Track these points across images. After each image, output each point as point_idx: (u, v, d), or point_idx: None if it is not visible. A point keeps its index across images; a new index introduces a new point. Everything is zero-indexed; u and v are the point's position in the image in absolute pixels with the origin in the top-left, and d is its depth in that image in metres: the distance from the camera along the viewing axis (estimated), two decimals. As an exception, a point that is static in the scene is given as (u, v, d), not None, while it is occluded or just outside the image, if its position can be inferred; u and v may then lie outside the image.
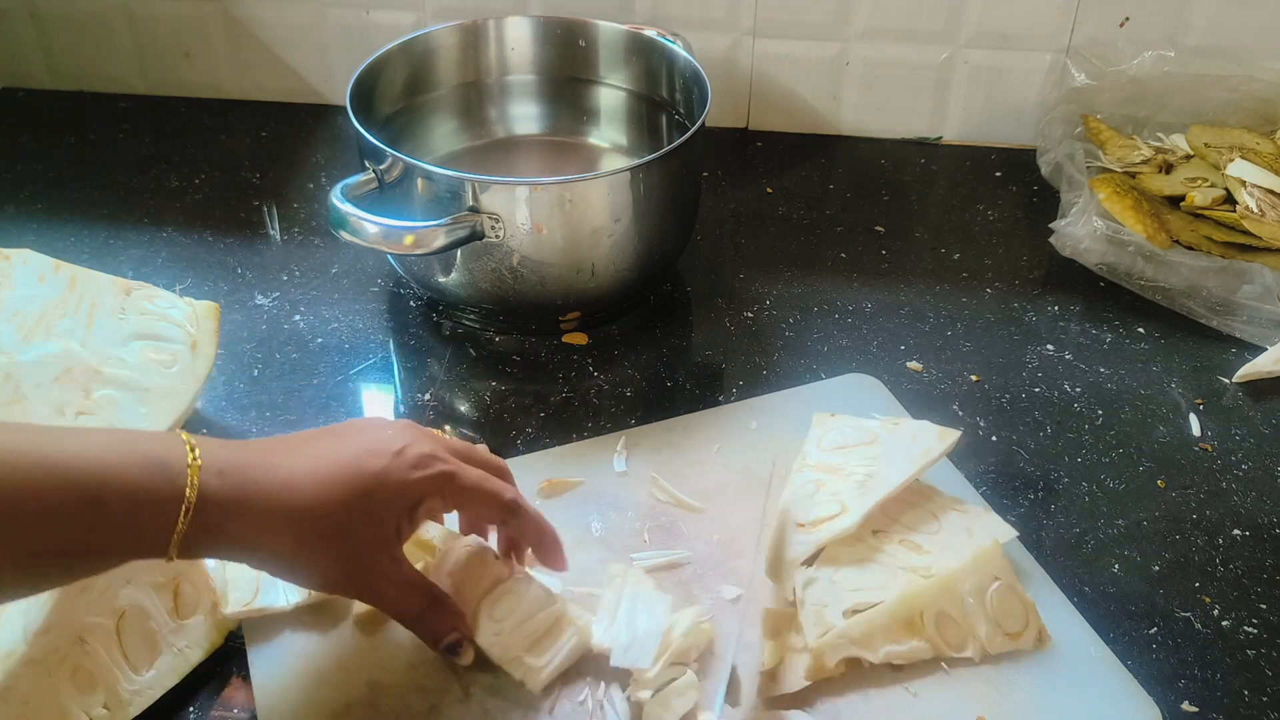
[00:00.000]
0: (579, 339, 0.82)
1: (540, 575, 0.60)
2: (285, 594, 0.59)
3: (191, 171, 1.00)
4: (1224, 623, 0.62)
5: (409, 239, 0.71)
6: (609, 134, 0.96)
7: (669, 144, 0.76)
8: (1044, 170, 0.94)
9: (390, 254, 0.83)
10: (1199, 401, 0.77)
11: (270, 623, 0.59)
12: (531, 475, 0.67)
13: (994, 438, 0.74)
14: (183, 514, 0.48)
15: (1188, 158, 0.95)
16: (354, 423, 0.57)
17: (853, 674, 0.57)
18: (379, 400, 0.77)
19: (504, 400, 0.76)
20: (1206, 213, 0.88)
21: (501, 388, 0.77)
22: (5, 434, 0.46)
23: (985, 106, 1.04)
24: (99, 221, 0.93)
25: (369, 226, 0.70)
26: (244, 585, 0.59)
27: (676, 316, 0.85)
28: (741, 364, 0.80)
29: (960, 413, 0.75)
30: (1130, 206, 0.84)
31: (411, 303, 0.85)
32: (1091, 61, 0.98)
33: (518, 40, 0.93)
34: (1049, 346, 0.81)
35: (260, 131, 1.06)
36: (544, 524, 0.59)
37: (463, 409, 0.76)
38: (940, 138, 1.06)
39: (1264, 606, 0.63)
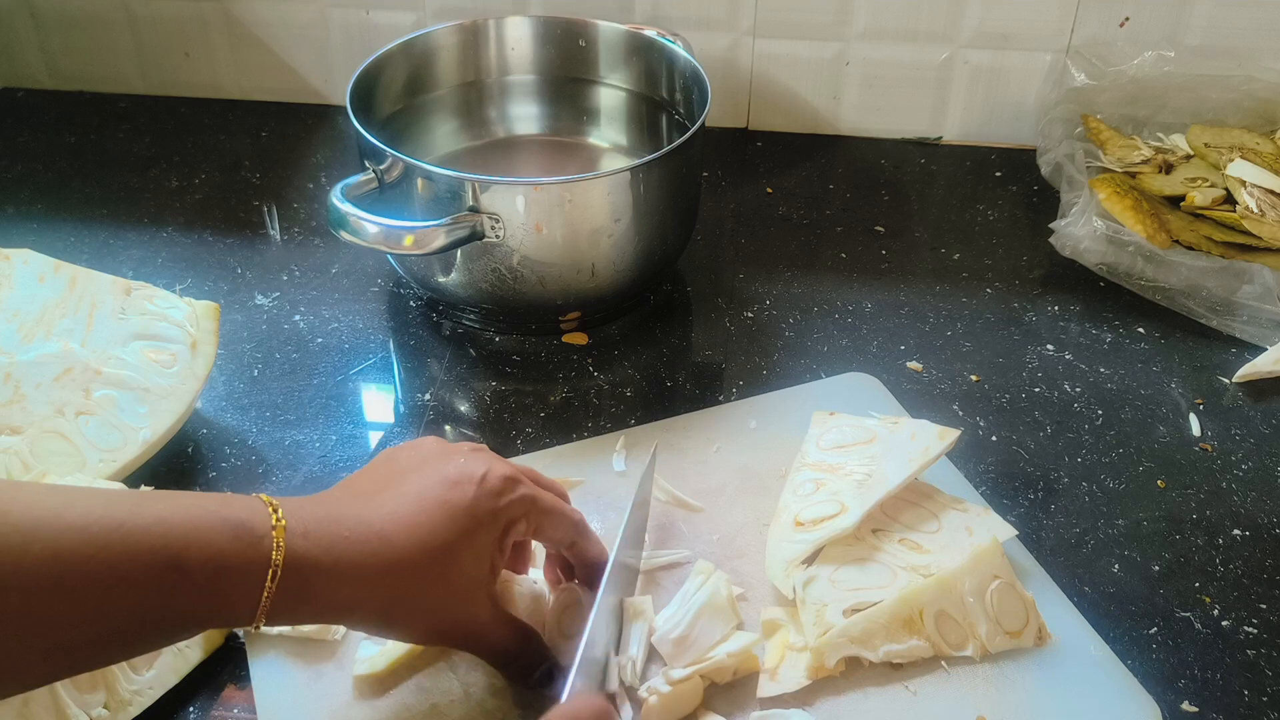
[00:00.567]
0: (579, 339, 0.82)
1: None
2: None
3: (191, 171, 1.00)
4: (1224, 623, 0.62)
5: (409, 239, 0.71)
6: (609, 134, 0.96)
7: (669, 144, 0.76)
8: (1044, 170, 0.94)
9: (390, 254, 0.83)
10: (1199, 401, 0.77)
11: (270, 622, 0.59)
12: (531, 475, 0.67)
13: (994, 438, 0.74)
14: (269, 579, 0.46)
15: (1188, 158, 0.95)
16: (418, 449, 0.54)
17: (852, 673, 0.57)
18: (379, 400, 0.77)
19: (504, 400, 0.76)
20: (1206, 213, 0.88)
21: (501, 388, 0.77)
22: (75, 499, 0.44)
23: (985, 106, 1.04)
24: (99, 221, 0.93)
25: (369, 226, 0.70)
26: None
27: (676, 316, 0.85)
28: (741, 364, 0.80)
29: (960, 413, 0.75)
30: (1130, 206, 0.84)
31: (411, 303, 0.85)
32: (1091, 61, 0.98)
33: (518, 40, 0.93)
34: (1049, 346, 0.81)
35: (260, 131, 1.06)
36: (602, 545, 0.58)
37: (463, 409, 0.76)
38: (940, 138, 1.06)
39: (1264, 606, 0.63)
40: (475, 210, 0.73)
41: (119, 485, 0.62)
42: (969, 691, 0.57)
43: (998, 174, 1.02)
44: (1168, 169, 0.94)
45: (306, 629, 0.58)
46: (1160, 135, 0.98)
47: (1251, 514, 0.69)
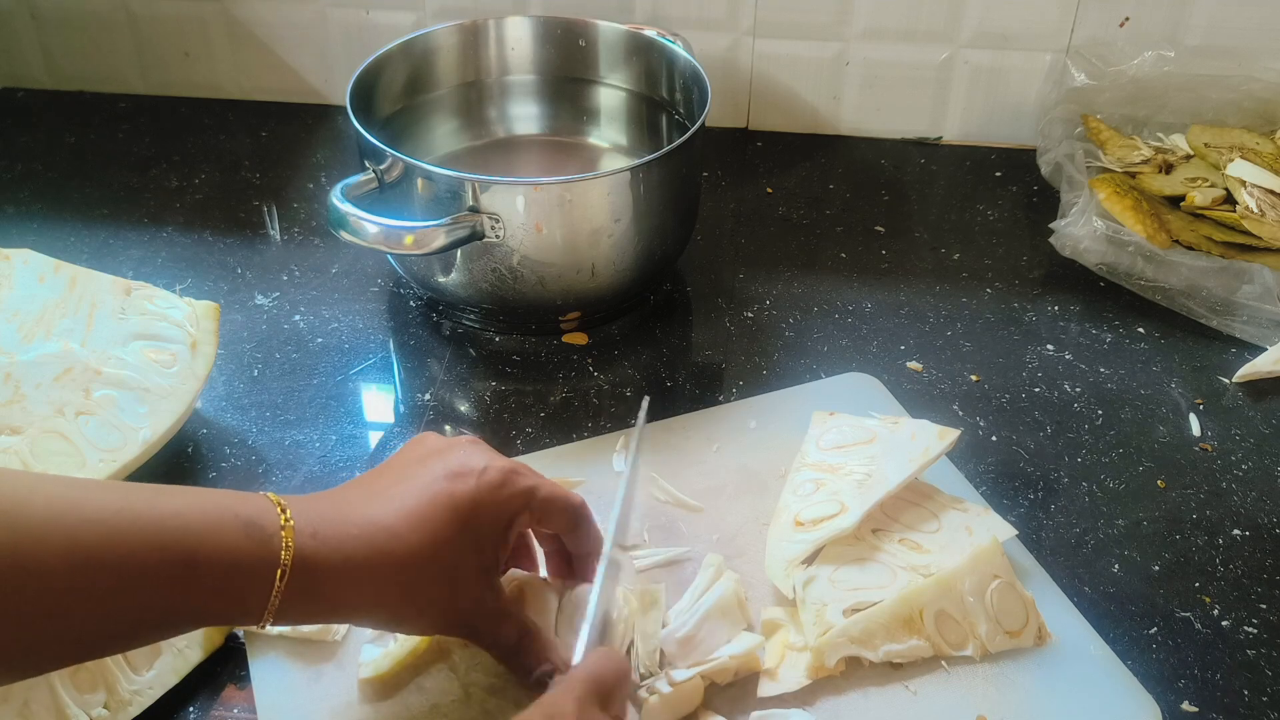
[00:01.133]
0: (579, 339, 0.82)
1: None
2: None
3: (191, 171, 1.00)
4: (1224, 623, 0.62)
5: (409, 239, 0.71)
6: (609, 134, 0.96)
7: (669, 144, 0.76)
8: (1044, 170, 0.94)
9: (390, 254, 0.83)
10: (1199, 401, 0.77)
11: (270, 622, 0.59)
12: (531, 475, 0.67)
13: (994, 438, 0.74)
14: (278, 578, 0.46)
15: (1188, 158, 0.95)
16: (419, 446, 0.55)
17: (853, 673, 0.57)
18: (379, 400, 0.77)
19: (504, 400, 0.76)
20: (1206, 213, 0.88)
21: (501, 388, 0.77)
22: (92, 492, 0.44)
23: (985, 106, 1.04)
24: (99, 221, 0.93)
25: (369, 226, 0.70)
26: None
27: (676, 316, 0.85)
28: (741, 364, 0.80)
29: (960, 413, 0.75)
30: (1130, 206, 0.84)
31: (411, 303, 0.85)
32: (1091, 61, 0.98)
33: (518, 40, 0.93)
34: (1049, 346, 0.81)
35: (260, 131, 1.06)
36: (599, 532, 0.58)
37: (463, 409, 0.76)
38: (940, 138, 1.06)
39: (1264, 606, 0.63)
40: (475, 210, 0.73)
41: (119, 485, 0.62)
42: (969, 691, 0.57)
43: (998, 174, 1.02)
44: (1168, 169, 0.94)
45: (306, 629, 0.58)
46: (1160, 135, 0.98)
47: (1251, 514, 0.69)
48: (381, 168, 0.76)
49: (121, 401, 0.67)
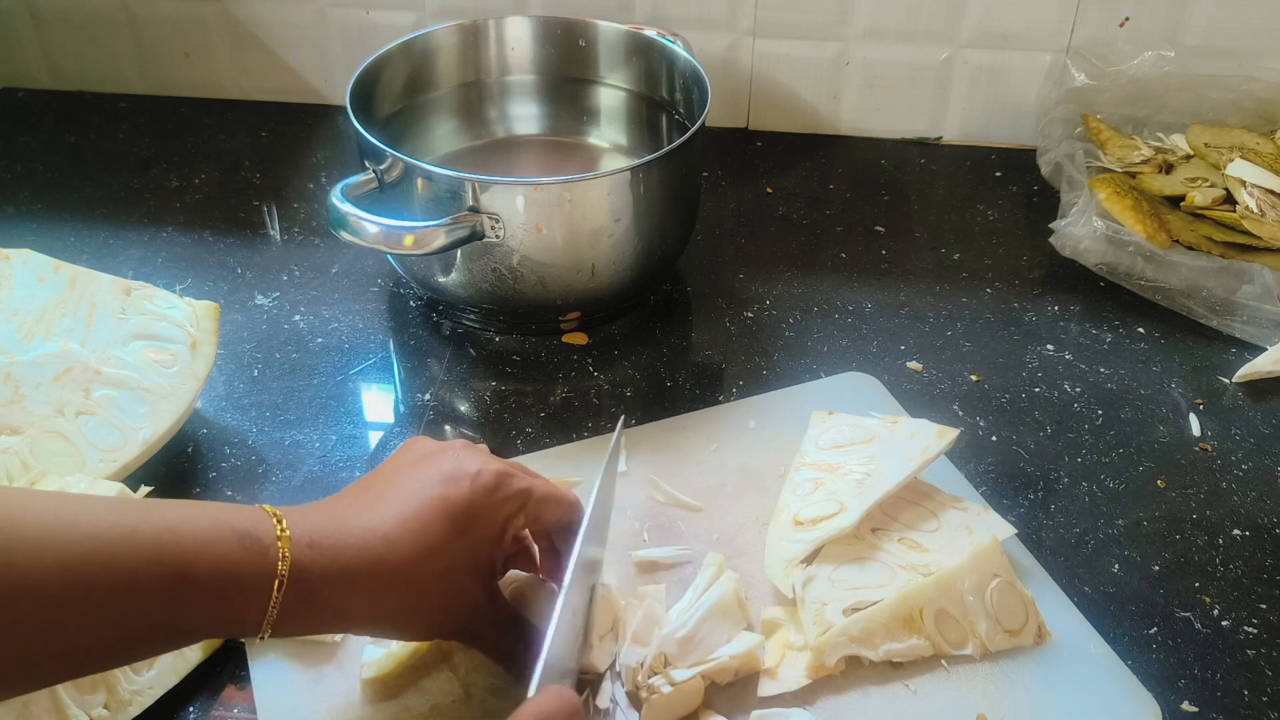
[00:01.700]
0: (579, 339, 0.82)
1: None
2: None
3: (191, 171, 1.00)
4: (1224, 623, 0.62)
5: (409, 239, 0.71)
6: (609, 134, 0.96)
7: (669, 144, 0.76)
8: (1044, 170, 0.94)
9: (390, 254, 0.83)
10: (1199, 401, 0.77)
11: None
12: (531, 475, 0.67)
13: (994, 438, 0.74)
14: (276, 589, 0.46)
15: (1188, 158, 0.95)
16: (412, 450, 0.54)
17: (853, 672, 0.57)
18: (379, 400, 0.77)
19: (504, 400, 0.76)
20: (1206, 213, 0.88)
21: (501, 388, 0.77)
22: (86, 508, 0.44)
23: (985, 106, 1.04)
24: (99, 221, 0.93)
25: (369, 226, 0.70)
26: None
27: (676, 316, 0.85)
28: (741, 364, 0.80)
29: (960, 413, 0.75)
30: (1130, 206, 0.85)
31: (411, 303, 0.85)
32: (1091, 61, 0.98)
33: (518, 40, 0.93)
34: (1049, 346, 0.81)
35: (260, 131, 1.06)
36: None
37: (463, 409, 0.76)
38: (940, 138, 1.06)
39: (1264, 606, 0.63)
40: (475, 210, 0.73)
41: (119, 486, 0.62)
42: (969, 690, 0.57)
43: (998, 174, 1.02)
44: (1168, 169, 0.94)
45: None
46: (1160, 135, 0.98)
47: (1251, 514, 0.69)
48: (381, 168, 0.76)
49: (121, 401, 0.67)
